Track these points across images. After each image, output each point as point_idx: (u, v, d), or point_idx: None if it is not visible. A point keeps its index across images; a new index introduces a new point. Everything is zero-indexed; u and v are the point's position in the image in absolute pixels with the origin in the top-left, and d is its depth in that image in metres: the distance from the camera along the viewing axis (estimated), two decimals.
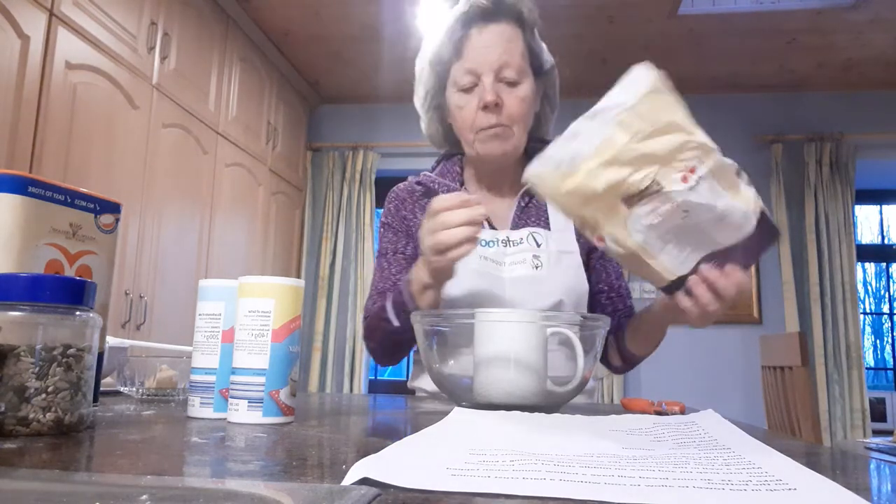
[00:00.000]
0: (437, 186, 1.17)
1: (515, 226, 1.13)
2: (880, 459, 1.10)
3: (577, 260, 1.10)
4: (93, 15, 2.14)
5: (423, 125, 1.22)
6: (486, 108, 1.04)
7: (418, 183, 1.21)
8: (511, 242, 1.08)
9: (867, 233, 4.54)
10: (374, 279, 1.17)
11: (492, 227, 1.12)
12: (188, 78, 2.69)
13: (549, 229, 1.12)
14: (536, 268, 1.05)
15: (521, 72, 1.06)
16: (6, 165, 1.81)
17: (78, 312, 0.53)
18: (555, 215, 1.14)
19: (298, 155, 3.84)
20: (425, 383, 1.13)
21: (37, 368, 0.50)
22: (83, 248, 0.69)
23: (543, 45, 1.15)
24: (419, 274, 0.93)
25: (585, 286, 1.10)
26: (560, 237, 1.10)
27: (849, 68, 3.49)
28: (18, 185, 0.63)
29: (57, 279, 0.53)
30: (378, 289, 1.13)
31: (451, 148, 1.22)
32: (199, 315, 0.69)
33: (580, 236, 1.13)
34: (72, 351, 0.52)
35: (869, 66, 3.47)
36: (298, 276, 3.83)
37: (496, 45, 1.05)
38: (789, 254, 3.52)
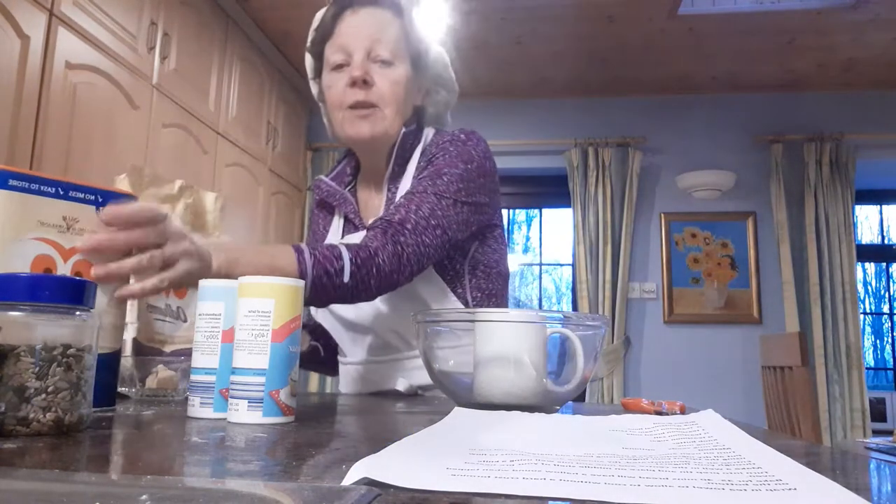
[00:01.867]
0: (321, 194, 1.16)
1: None
2: (880, 459, 1.11)
3: None
4: (93, 15, 2.14)
5: (314, 92, 1.16)
6: (354, 84, 1.01)
7: (313, 189, 1.19)
8: None
9: (867, 233, 4.54)
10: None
11: (365, 228, 1.07)
12: (188, 78, 2.69)
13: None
14: None
15: (394, 54, 1.04)
16: (6, 165, 1.81)
17: (78, 312, 0.53)
18: (401, 189, 1.08)
19: (298, 155, 3.84)
20: (345, 386, 1.16)
21: (37, 368, 0.50)
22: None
23: (428, 41, 1.12)
24: None
25: (433, 275, 1.05)
26: None
27: (849, 68, 3.49)
28: None
29: (57, 279, 0.53)
30: None
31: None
32: (199, 315, 0.69)
33: None
34: (72, 351, 0.52)
35: (869, 66, 3.47)
36: None
37: (369, 24, 1.04)
38: (789, 254, 3.52)
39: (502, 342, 0.76)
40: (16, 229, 0.61)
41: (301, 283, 0.66)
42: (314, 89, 1.16)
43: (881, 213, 4.35)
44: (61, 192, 0.64)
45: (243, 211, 3.16)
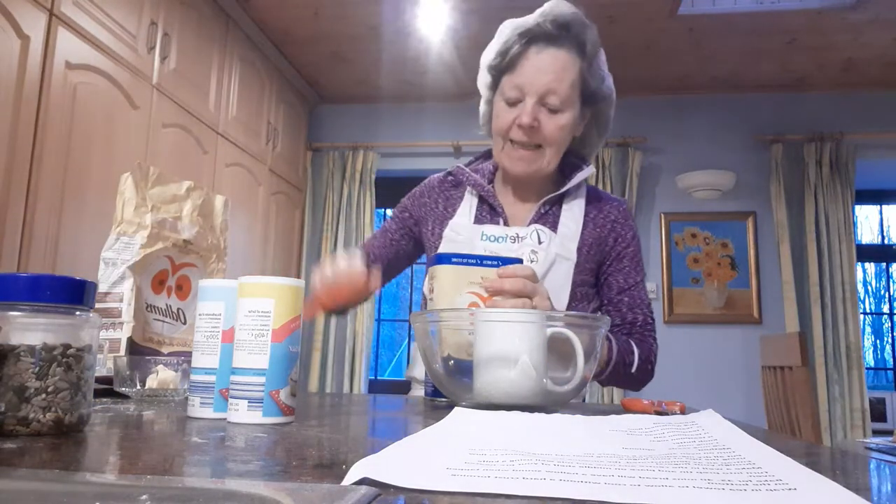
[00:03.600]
0: (465, 179, 1.23)
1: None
2: (880, 459, 1.10)
3: (569, 269, 1.13)
4: (93, 15, 2.14)
5: (481, 107, 1.25)
6: (521, 127, 1.09)
7: (449, 174, 1.28)
8: (519, 238, 1.13)
9: (867, 233, 4.54)
10: (367, 239, 1.32)
11: (506, 224, 1.18)
12: (188, 78, 2.69)
13: (556, 233, 1.15)
14: (532, 262, 1.09)
15: (565, 101, 1.09)
16: (6, 165, 1.81)
17: (78, 312, 0.53)
18: (566, 222, 1.17)
19: (298, 155, 3.84)
20: (417, 372, 1.24)
21: (37, 368, 0.50)
22: None
23: (604, 75, 1.16)
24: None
25: (566, 294, 1.13)
26: (562, 243, 1.14)
27: (849, 68, 3.49)
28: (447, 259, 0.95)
29: (57, 279, 0.53)
30: (363, 244, 1.31)
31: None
32: (199, 315, 0.69)
33: (586, 247, 1.16)
34: (72, 351, 0.52)
35: (869, 66, 3.47)
36: (298, 276, 3.83)
37: (548, 70, 1.08)
38: (789, 254, 3.52)
39: (502, 342, 0.76)
40: (457, 287, 0.94)
41: (301, 283, 0.66)
42: (482, 89, 1.22)
43: (881, 213, 4.34)
44: (478, 262, 0.96)
45: (243, 211, 3.16)
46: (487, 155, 1.29)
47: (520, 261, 0.99)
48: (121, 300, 0.94)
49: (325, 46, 3.41)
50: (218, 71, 2.92)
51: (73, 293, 0.53)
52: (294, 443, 0.52)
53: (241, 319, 0.64)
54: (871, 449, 2.23)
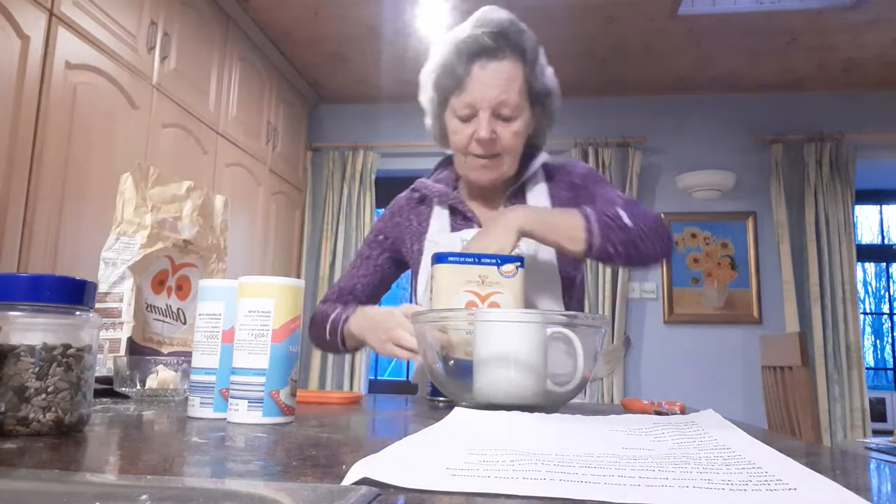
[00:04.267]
0: (429, 193, 1.26)
1: None
2: (880, 459, 1.11)
3: (551, 252, 1.15)
4: (93, 15, 2.14)
5: (426, 122, 1.27)
6: (479, 141, 1.12)
7: (413, 190, 1.30)
8: None
9: (867, 233, 4.54)
10: (343, 274, 1.33)
11: (480, 226, 1.19)
12: (188, 78, 2.69)
13: None
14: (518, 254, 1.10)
15: (516, 108, 1.12)
16: (6, 165, 1.81)
17: (78, 312, 0.53)
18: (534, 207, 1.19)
19: (298, 155, 3.84)
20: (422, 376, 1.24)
21: (37, 368, 0.50)
22: (491, 290, 0.96)
23: (544, 69, 1.19)
24: (362, 333, 1.12)
25: (555, 287, 1.15)
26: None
27: (849, 68, 3.49)
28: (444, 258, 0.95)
29: (57, 279, 0.53)
30: (340, 285, 1.32)
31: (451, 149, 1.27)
32: (199, 315, 0.69)
33: None
34: (72, 351, 0.52)
35: (869, 66, 3.47)
36: (298, 276, 3.83)
37: (495, 84, 1.10)
38: (789, 254, 3.52)
39: (502, 342, 0.76)
40: (454, 286, 0.94)
41: (301, 283, 0.66)
42: (426, 103, 1.23)
43: (881, 213, 4.35)
44: (475, 261, 0.96)
45: (243, 211, 3.16)
46: (446, 162, 1.32)
47: (519, 259, 0.99)
48: (121, 300, 0.94)
49: (325, 46, 3.41)
50: (218, 71, 2.92)
51: (73, 293, 0.53)
52: (294, 443, 0.52)
53: (241, 319, 0.64)
54: (871, 449, 2.23)
